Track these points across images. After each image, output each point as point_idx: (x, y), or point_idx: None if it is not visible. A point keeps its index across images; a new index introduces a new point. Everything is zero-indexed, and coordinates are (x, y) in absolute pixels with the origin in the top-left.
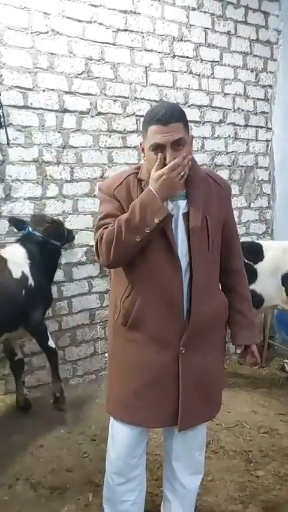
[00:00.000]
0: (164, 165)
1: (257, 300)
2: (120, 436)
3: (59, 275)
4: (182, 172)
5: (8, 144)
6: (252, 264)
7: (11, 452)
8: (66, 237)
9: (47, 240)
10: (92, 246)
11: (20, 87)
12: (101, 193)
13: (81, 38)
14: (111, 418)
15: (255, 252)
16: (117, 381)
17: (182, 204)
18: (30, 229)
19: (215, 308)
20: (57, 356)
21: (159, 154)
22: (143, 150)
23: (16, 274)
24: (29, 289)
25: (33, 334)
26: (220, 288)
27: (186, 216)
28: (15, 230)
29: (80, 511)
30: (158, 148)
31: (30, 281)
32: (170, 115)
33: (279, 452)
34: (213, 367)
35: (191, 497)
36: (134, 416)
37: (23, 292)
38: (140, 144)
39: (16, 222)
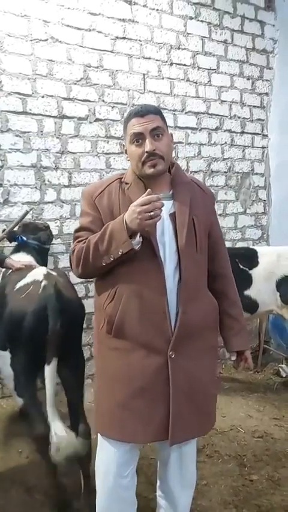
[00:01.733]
0: (144, 153)
1: (252, 305)
2: (108, 455)
3: None
4: (152, 213)
5: None
6: (247, 269)
7: (6, 456)
8: (52, 238)
9: (42, 247)
10: None
11: (19, 93)
12: (83, 200)
13: (80, 46)
14: (99, 437)
15: (250, 258)
16: (104, 392)
17: (168, 204)
18: (24, 238)
19: (204, 309)
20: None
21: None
22: (126, 151)
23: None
24: None
25: None
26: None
27: (173, 216)
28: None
29: None
30: (137, 137)
31: None
32: (145, 109)
33: (273, 457)
34: (205, 375)
35: (186, 507)
36: (122, 432)
37: None
38: (123, 146)
39: (9, 235)
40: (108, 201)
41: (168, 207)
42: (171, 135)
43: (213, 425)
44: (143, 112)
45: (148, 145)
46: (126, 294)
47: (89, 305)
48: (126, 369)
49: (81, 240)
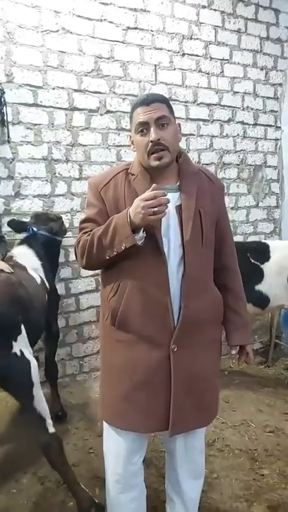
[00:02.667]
0: (150, 143)
1: (263, 300)
2: (116, 444)
3: (67, 272)
4: (156, 208)
5: (8, 141)
6: (259, 264)
7: (17, 448)
8: (65, 231)
9: (52, 238)
10: None
11: (30, 85)
12: (89, 190)
13: (91, 36)
14: (105, 424)
15: (262, 252)
16: (107, 384)
17: (175, 196)
18: (35, 229)
19: (207, 303)
20: (58, 373)
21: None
22: (132, 142)
23: (38, 280)
24: (48, 294)
25: (50, 340)
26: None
27: (179, 208)
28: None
29: None
30: (142, 127)
31: (47, 285)
32: (151, 97)
33: (284, 452)
34: (206, 368)
35: (195, 499)
36: (125, 421)
37: (46, 297)
38: (129, 138)
39: (17, 225)
40: (114, 192)
41: (174, 198)
42: (179, 125)
43: (214, 417)
44: (148, 100)
45: (153, 135)
46: (129, 287)
47: (99, 298)
48: (129, 361)
49: (86, 232)
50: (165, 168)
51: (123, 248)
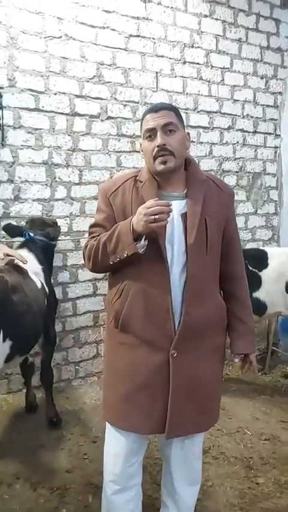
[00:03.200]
0: (156, 147)
1: (261, 307)
2: (117, 444)
3: (64, 276)
4: (157, 216)
5: (2, 144)
6: (257, 271)
7: (11, 451)
8: (58, 236)
9: (48, 243)
10: None
11: (32, 90)
12: (99, 195)
13: (94, 43)
14: (107, 424)
15: (260, 259)
16: (110, 385)
17: (181, 204)
18: (31, 234)
19: (210, 310)
20: (53, 379)
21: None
22: (142, 150)
23: (38, 284)
24: (47, 298)
25: (47, 345)
26: (221, 294)
27: (184, 216)
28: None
29: (80, 511)
30: (150, 133)
31: (46, 289)
32: (160, 105)
33: (280, 460)
34: (208, 376)
35: (190, 506)
36: (126, 422)
37: (45, 302)
38: (140, 145)
39: (12, 229)
40: (122, 199)
41: (180, 206)
42: (188, 134)
43: (213, 424)
44: (157, 108)
45: (159, 140)
46: (132, 291)
47: (96, 303)
48: (130, 363)
49: (94, 237)
50: (172, 173)
51: (125, 255)
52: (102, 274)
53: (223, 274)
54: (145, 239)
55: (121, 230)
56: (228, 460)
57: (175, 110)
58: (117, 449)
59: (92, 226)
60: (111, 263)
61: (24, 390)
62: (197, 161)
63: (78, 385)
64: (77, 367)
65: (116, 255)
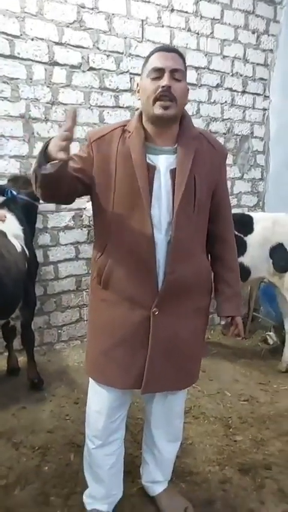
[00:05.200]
0: (160, 88)
1: (245, 272)
2: (99, 400)
3: (45, 239)
4: (64, 142)
5: None
6: (242, 236)
7: None
8: None
9: (31, 203)
10: (80, 210)
11: (7, 34)
12: (87, 139)
13: None
14: (90, 381)
15: (245, 224)
16: (91, 339)
17: (170, 159)
18: (14, 192)
19: (194, 272)
20: (34, 341)
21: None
22: (138, 91)
23: (18, 247)
24: (28, 261)
25: (27, 309)
26: (208, 257)
27: (173, 173)
28: None
29: (62, 469)
30: (157, 73)
31: (27, 252)
32: (173, 48)
33: (257, 419)
34: (188, 336)
35: (169, 461)
36: (104, 376)
37: (26, 265)
38: (137, 85)
39: None
40: (107, 147)
41: (169, 161)
42: (187, 90)
43: (190, 384)
44: (170, 49)
45: (166, 80)
46: (115, 248)
47: (78, 267)
48: (111, 319)
49: None
50: (166, 122)
51: (41, 173)
52: (84, 238)
53: (211, 236)
54: (50, 164)
55: (43, 146)
56: (208, 420)
57: (184, 59)
58: (99, 405)
59: None
60: (40, 184)
61: (6, 354)
62: None
63: (60, 348)
64: (59, 331)
65: (37, 174)
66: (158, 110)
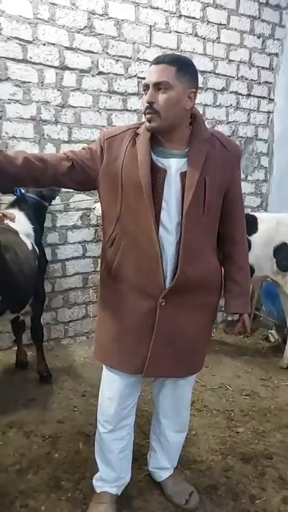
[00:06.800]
0: (146, 103)
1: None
2: (111, 387)
3: (53, 237)
4: None
5: None
6: (247, 236)
7: (3, 405)
8: (54, 197)
9: (41, 202)
10: (88, 210)
11: (20, 39)
12: (99, 136)
13: None
14: (103, 369)
15: (250, 224)
16: (102, 326)
17: (181, 162)
18: (22, 190)
19: (203, 271)
20: (43, 336)
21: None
22: None
23: (29, 245)
24: (38, 259)
25: (37, 304)
26: (220, 256)
27: (183, 175)
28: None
29: (72, 456)
30: (145, 87)
31: (37, 249)
32: (163, 58)
33: (259, 412)
34: (191, 329)
35: (176, 449)
36: (112, 359)
37: (36, 262)
38: None
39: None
40: (118, 147)
41: (180, 164)
42: (193, 92)
43: (191, 373)
44: (159, 60)
45: (147, 96)
46: (124, 241)
47: (85, 265)
48: (121, 308)
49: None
50: (160, 132)
51: None
52: (91, 237)
53: (222, 237)
54: None
55: None
56: (211, 412)
57: (178, 64)
58: (112, 393)
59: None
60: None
61: (14, 348)
62: None
63: (67, 344)
64: (66, 327)
65: None
66: (146, 123)
